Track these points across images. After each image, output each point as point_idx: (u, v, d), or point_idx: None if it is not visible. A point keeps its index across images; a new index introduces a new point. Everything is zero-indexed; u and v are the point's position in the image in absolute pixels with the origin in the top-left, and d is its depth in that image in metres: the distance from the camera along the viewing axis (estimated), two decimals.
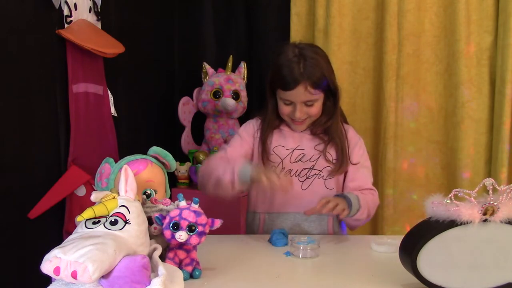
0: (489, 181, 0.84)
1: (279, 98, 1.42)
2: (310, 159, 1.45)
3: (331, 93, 1.43)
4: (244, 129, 1.52)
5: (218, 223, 1.00)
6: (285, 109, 1.41)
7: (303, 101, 1.38)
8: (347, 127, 1.51)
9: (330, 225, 1.47)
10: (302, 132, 1.47)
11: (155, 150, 1.13)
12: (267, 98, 1.46)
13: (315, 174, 1.45)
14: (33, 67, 1.36)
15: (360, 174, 1.47)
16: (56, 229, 1.46)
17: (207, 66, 2.30)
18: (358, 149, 1.48)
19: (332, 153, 1.45)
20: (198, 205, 1.00)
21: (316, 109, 1.41)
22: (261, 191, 1.48)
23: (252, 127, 1.51)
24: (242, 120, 2.30)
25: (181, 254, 1.00)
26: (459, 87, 2.05)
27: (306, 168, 1.45)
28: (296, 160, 1.45)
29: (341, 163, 1.44)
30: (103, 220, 0.86)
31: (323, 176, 1.44)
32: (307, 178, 1.45)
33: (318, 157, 1.45)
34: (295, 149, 1.46)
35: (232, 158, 1.38)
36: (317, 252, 1.19)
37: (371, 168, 1.51)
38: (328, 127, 1.45)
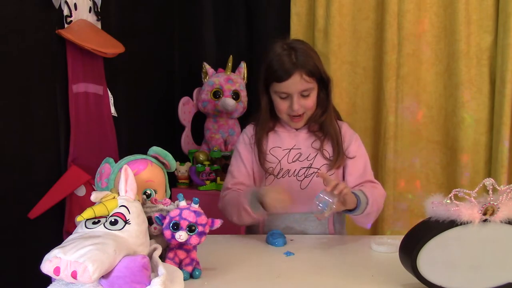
0: (489, 181, 0.84)
1: (274, 93, 1.42)
2: (307, 157, 1.45)
3: (323, 84, 1.44)
4: (239, 144, 1.53)
5: (218, 223, 1.00)
6: (282, 105, 1.42)
7: (299, 91, 1.38)
8: (341, 123, 1.51)
9: (331, 225, 1.47)
10: (298, 131, 1.48)
11: (155, 150, 1.13)
12: (260, 97, 1.46)
13: (313, 172, 1.44)
14: (33, 67, 1.36)
15: (358, 166, 1.46)
16: (56, 229, 1.46)
17: (207, 66, 2.30)
18: (354, 143, 1.48)
19: (328, 150, 1.45)
20: (198, 205, 1.00)
21: (311, 101, 1.42)
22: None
23: (246, 136, 1.52)
24: (242, 120, 2.30)
25: (181, 254, 1.00)
26: (459, 87, 2.05)
27: (304, 167, 1.45)
28: (293, 160, 1.46)
29: (337, 156, 1.44)
30: (103, 220, 0.86)
31: None
32: (305, 177, 1.44)
33: (315, 155, 1.45)
34: (292, 149, 1.46)
35: (239, 192, 1.42)
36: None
37: (369, 164, 1.50)
38: (323, 121, 1.45)
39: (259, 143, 1.47)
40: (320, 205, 1.20)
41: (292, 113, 1.42)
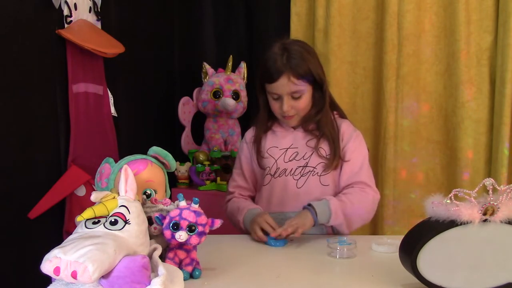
0: (489, 181, 0.84)
1: (268, 93, 1.44)
2: (303, 156, 1.45)
3: (318, 86, 1.44)
4: (239, 149, 1.59)
5: (218, 223, 1.00)
6: (274, 105, 1.44)
7: (288, 93, 1.40)
8: (342, 121, 1.50)
9: (329, 227, 1.46)
10: (295, 130, 1.48)
11: (155, 150, 1.13)
12: (258, 96, 1.49)
13: (309, 171, 1.44)
14: (33, 67, 1.36)
15: (352, 166, 1.44)
16: (56, 229, 1.46)
17: (207, 66, 2.30)
18: (353, 142, 1.46)
19: (325, 148, 1.45)
20: (198, 205, 1.00)
21: (303, 103, 1.42)
22: (259, 193, 1.52)
23: (244, 142, 1.56)
24: (242, 120, 2.30)
25: (181, 254, 1.00)
26: (459, 87, 2.05)
27: (300, 166, 1.45)
28: (290, 159, 1.46)
29: (334, 157, 1.43)
30: (103, 220, 0.86)
31: (317, 172, 1.44)
32: (301, 176, 1.44)
33: (311, 154, 1.45)
34: (289, 148, 1.47)
35: (239, 206, 1.47)
36: (354, 252, 1.19)
37: (367, 162, 1.48)
38: (319, 120, 1.45)
39: (258, 143, 1.49)
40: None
41: (283, 114, 1.43)
